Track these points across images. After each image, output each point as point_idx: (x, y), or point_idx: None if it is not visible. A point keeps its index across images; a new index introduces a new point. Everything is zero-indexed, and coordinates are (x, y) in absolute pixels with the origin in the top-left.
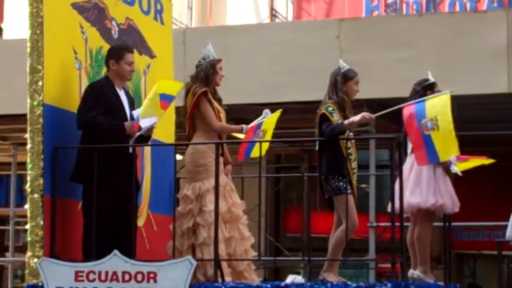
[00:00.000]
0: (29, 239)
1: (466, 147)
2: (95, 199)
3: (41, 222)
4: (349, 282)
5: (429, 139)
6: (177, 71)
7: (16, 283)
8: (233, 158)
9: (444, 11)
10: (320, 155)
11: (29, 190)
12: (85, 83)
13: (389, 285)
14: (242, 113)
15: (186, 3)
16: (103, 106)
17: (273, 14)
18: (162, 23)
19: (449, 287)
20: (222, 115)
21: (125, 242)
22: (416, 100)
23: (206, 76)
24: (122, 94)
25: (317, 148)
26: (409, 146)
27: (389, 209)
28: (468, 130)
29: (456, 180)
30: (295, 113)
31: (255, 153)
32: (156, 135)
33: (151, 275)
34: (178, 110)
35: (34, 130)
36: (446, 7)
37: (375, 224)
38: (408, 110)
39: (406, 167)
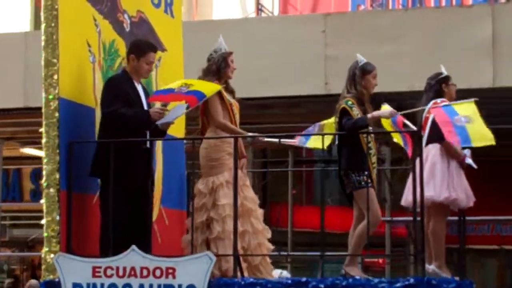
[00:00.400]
0: (45, 234)
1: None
2: (112, 193)
3: (57, 217)
4: (371, 277)
5: (463, 129)
6: None
7: (2, 277)
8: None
9: (430, 6)
10: (340, 150)
11: (45, 184)
12: (98, 77)
13: (411, 280)
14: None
15: None
16: (123, 99)
17: (259, 8)
18: (172, 16)
19: (464, 282)
20: (235, 107)
21: (142, 237)
22: (443, 104)
23: (217, 69)
24: (140, 88)
25: (336, 142)
26: (424, 140)
27: (402, 202)
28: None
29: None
30: (281, 108)
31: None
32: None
33: (170, 271)
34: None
35: (49, 124)
36: (432, 2)
37: None
38: (436, 110)
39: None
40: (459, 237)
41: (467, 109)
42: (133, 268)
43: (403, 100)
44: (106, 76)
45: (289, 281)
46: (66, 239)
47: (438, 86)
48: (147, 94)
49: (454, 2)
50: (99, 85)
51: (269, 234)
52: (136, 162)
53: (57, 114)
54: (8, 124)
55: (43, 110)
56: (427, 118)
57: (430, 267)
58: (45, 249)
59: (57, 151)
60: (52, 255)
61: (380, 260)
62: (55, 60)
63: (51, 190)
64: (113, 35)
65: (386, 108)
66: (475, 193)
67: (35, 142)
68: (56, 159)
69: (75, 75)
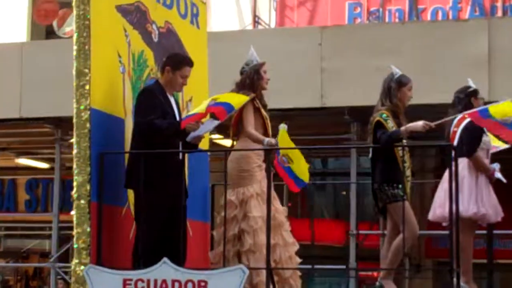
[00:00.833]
0: (75, 245)
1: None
2: (146, 205)
3: (88, 229)
4: None
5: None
6: None
7: None
8: None
9: (426, 19)
10: (374, 163)
11: (75, 196)
12: (128, 88)
13: None
14: (227, 119)
15: None
16: (158, 111)
17: (256, 20)
18: (198, 27)
19: None
20: (267, 121)
21: (175, 249)
22: (479, 108)
23: (251, 83)
24: (172, 100)
25: (370, 155)
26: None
27: (430, 217)
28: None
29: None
30: (276, 120)
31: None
32: None
33: (202, 284)
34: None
35: (80, 135)
36: (428, 16)
37: (355, 231)
38: (472, 115)
39: (446, 175)
40: (487, 252)
41: (503, 109)
42: (164, 281)
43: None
44: (135, 86)
45: None
46: (96, 251)
47: (467, 100)
48: (178, 107)
49: (450, 16)
50: (129, 95)
51: (296, 247)
52: (170, 173)
53: (88, 125)
54: (3, 134)
55: (74, 121)
56: (455, 132)
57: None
58: (75, 260)
59: (88, 162)
60: (82, 267)
61: (375, 273)
62: (86, 70)
63: (82, 201)
64: (142, 46)
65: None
66: (504, 207)
67: (30, 152)
68: (87, 170)
69: (106, 85)
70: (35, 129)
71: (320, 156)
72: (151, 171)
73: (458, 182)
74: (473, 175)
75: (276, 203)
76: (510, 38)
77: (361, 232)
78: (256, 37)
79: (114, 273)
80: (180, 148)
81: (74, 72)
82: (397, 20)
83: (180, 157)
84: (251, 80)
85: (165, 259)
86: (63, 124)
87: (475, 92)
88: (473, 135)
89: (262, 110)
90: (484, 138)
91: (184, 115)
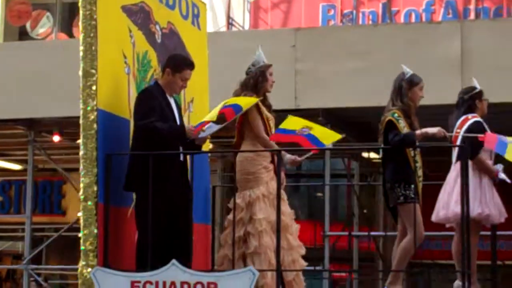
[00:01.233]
0: (82, 248)
1: (426, 157)
2: (151, 207)
3: (95, 231)
4: None
5: (504, 143)
6: None
7: None
8: None
9: (400, 22)
10: (385, 163)
11: (82, 197)
12: (133, 88)
13: None
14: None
15: None
16: (158, 112)
17: (230, 22)
18: (199, 28)
19: None
20: (272, 122)
21: (181, 251)
22: (500, 139)
23: (255, 84)
24: (172, 102)
25: (380, 155)
26: (454, 156)
27: (433, 218)
28: (421, 141)
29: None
30: None
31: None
32: None
33: (211, 286)
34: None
35: (87, 136)
36: (402, 18)
37: (329, 233)
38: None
39: (451, 176)
40: (491, 253)
41: None
42: (173, 283)
43: (372, 116)
44: (140, 87)
45: None
46: (103, 253)
47: (471, 102)
48: (179, 108)
49: (423, 18)
50: (134, 96)
51: (303, 251)
52: (172, 175)
53: (95, 126)
54: None
55: (80, 122)
56: (457, 134)
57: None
58: (81, 263)
59: (95, 163)
60: (89, 269)
61: (344, 275)
62: (93, 71)
63: (89, 203)
64: (146, 46)
65: None
66: (508, 208)
67: (2, 154)
68: (94, 172)
69: (112, 86)
70: (8, 131)
71: None
72: (153, 172)
73: (468, 183)
74: (477, 176)
75: (284, 205)
76: (483, 40)
77: (334, 233)
78: (230, 39)
79: (122, 275)
80: (181, 150)
81: (80, 73)
82: (370, 22)
83: (182, 158)
84: (255, 81)
85: (173, 261)
86: (35, 125)
87: (480, 94)
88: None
89: (266, 112)
90: None
91: (185, 116)
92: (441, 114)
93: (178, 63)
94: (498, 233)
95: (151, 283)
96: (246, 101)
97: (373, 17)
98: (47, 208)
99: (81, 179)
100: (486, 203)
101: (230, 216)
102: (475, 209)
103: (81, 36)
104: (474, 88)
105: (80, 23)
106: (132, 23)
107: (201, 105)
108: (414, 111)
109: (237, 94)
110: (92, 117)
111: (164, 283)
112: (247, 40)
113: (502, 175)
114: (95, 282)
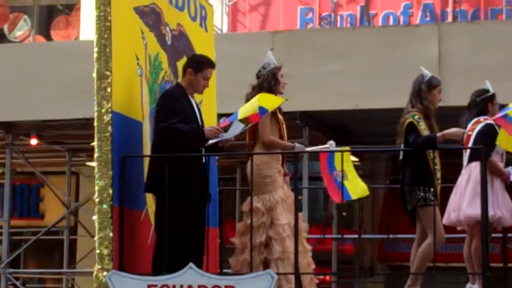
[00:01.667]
0: (97, 251)
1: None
2: (168, 209)
3: (110, 234)
4: None
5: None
6: None
7: None
8: None
9: (377, 25)
10: (404, 165)
11: (97, 200)
12: (145, 91)
13: None
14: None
15: None
16: (181, 115)
17: None
18: (206, 30)
19: None
20: (283, 126)
21: (198, 254)
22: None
23: (269, 87)
24: (193, 103)
25: (401, 157)
26: (465, 159)
27: (444, 221)
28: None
29: None
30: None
31: (355, 194)
32: None
33: None
34: None
35: (102, 139)
36: (380, 21)
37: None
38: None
39: (463, 179)
40: (502, 255)
41: None
42: (190, 287)
43: (349, 118)
44: (152, 89)
45: None
46: (119, 256)
47: (483, 105)
48: (199, 109)
49: (401, 21)
50: (146, 98)
51: (310, 253)
52: (193, 177)
53: (110, 128)
54: None
55: (95, 124)
56: (469, 136)
57: (474, 287)
58: (97, 266)
59: (110, 166)
60: (105, 273)
61: (327, 277)
62: (108, 73)
63: (104, 205)
64: (157, 48)
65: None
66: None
67: None
68: (109, 174)
69: (125, 88)
70: None
71: None
72: (174, 174)
73: (487, 184)
74: (489, 179)
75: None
76: (460, 43)
77: (312, 236)
78: None
79: (138, 279)
80: (203, 152)
81: (95, 75)
82: (348, 25)
83: (204, 160)
84: (268, 84)
85: (191, 264)
86: (13, 128)
87: (492, 97)
88: (487, 139)
89: (279, 115)
90: None
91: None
92: None
93: (199, 63)
94: (509, 235)
95: (168, 286)
96: (273, 102)
97: (351, 20)
98: (25, 212)
99: (96, 181)
100: (498, 206)
101: (248, 221)
102: None
103: (95, 37)
104: (487, 91)
105: (94, 24)
106: (144, 25)
107: (209, 107)
108: (433, 113)
109: (249, 97)
110: (107, 119)
111: (181, 286)
112: (225, 43)
113: None
114: (110, 286)
